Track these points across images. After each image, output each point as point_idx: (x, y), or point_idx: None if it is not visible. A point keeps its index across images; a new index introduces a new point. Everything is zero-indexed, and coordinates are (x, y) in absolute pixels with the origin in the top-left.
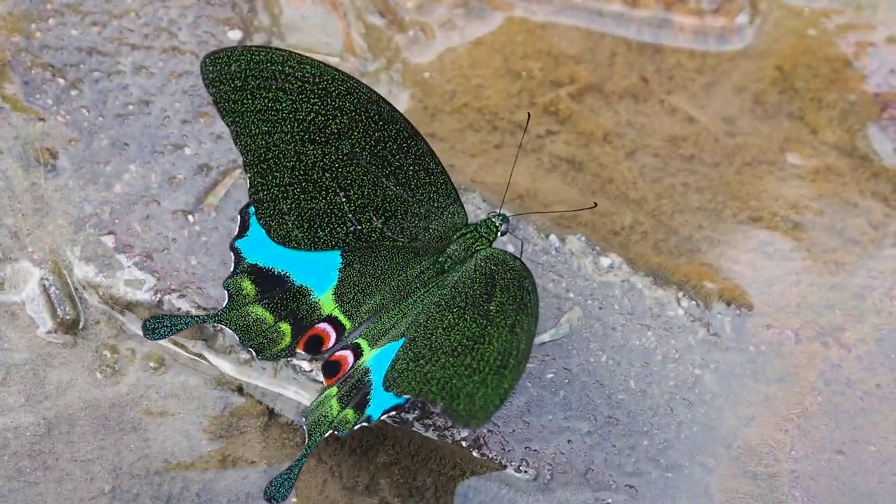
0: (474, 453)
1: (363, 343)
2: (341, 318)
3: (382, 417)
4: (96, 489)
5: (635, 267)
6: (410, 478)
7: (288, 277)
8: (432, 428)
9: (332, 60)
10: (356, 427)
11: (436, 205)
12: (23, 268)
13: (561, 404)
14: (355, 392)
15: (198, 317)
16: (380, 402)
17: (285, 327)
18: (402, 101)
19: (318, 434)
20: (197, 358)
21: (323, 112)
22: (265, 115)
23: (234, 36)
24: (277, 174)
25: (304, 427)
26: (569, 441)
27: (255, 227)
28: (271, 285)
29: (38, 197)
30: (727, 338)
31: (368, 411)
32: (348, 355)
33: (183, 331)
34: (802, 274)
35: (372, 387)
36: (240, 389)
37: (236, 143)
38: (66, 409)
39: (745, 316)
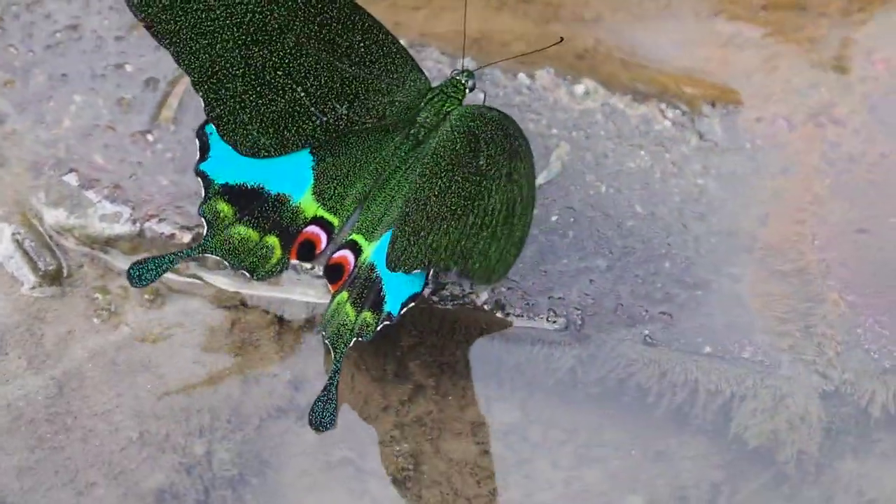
0: (498, 315)
1: (359, 238)
2: (327, 216)
3: (403, 312)
4: (124, 439)
5: (610, 88)
6: (438, 354)
7: (262, 189)
8: (449, 300)
9: None
10: (379, 328)
11: (395, 76)
12: None
13: (573, 245)
14: (367, 292)
15: (180, 252)
16: (396, 296)
17: (272, 240)
18: None
19: (343, 345)
20: (192, 280)
21: (259, 9)
22: (201, 28)
23: None
24: (230, 85)
25: (326, 341)
26: (590, 281)
27: (217, 146)
28: (247, 201)
29: None
30: (721, 139)
31: (387, 308)
32: (347, 254)
33: (168, 269)
34: (779, 59)
35: (383, 282)
36: (243, 303)
37: (179, 64)
38: (71, 364)
39: (732, 113)
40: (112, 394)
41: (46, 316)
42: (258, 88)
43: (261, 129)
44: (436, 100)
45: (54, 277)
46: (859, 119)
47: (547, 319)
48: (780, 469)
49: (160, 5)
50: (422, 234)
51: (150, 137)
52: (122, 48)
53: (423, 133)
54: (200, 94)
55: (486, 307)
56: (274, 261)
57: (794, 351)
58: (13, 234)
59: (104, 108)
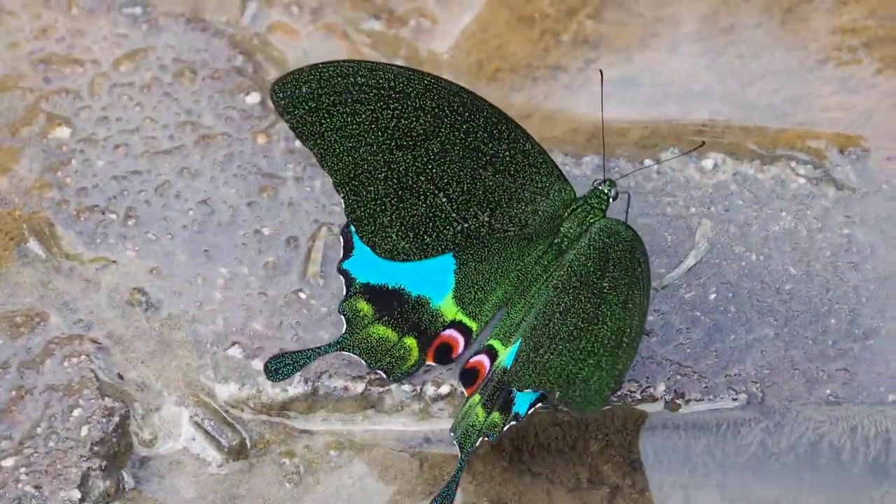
0: (679, 402)
1: (496, 343)
2: (466, 320)
3: (530, 412)
4: None
5: (737, 156)
6: (627, 452)
7: (403, 290)
8: (628, 397)
9: None
10: (506, 428)
11: (540, 185)
12: (168, 414)
13: (737, 320)
14: (497, 394)
15: (320, 347)
16: (524, 397)
17: (410, 342)
18: None
19: (469, 444)
20: (370, 430)
21: (405, 115)
22: (346, 131)
23: (253, 99)
24: (371, 188)
25: (455, 442)
26: (762, 352)
27: (360, 245)
28: (388, 301)
29: (149, 339)
30: (857, 185)
31: (515, 409)
32: (483, 359)
33: (306, 364)
34: (893, 94)
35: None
36: (427, 440)
37: (323, 166)
38: None
39: (862, 158)
40: None
41: (240, 492)
42: (400, 192)
43: (400, 233)
44: (580, 210)
45: (239, 451)
46: None
47: (730, 398)
48: None
49: (306, 108)
50: (540, 351)
51: (302, 296)
52: (255, 213)
53: (566, 243)
54: (341, 195)
55: (665, 397)
56: (411, 362)
57: None
58: (191, 416)
59: (251, 275)
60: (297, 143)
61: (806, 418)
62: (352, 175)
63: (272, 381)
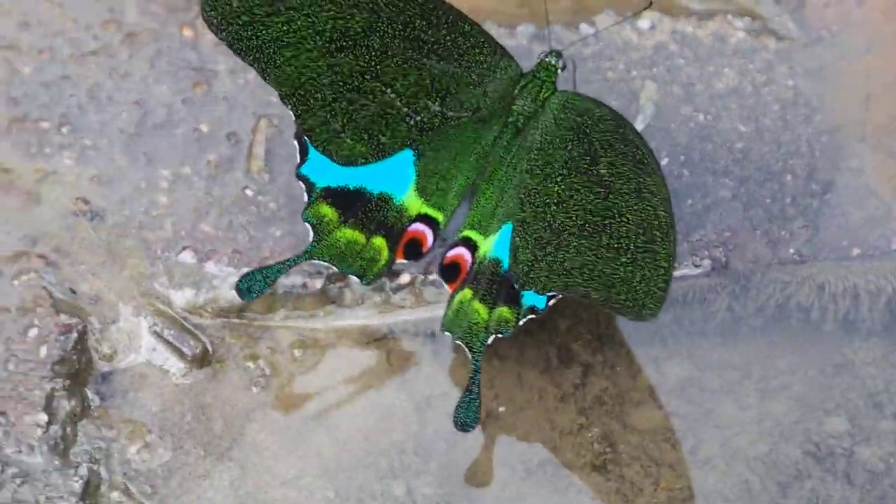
0: None
1: (473, 234)
2: (432, 212)
3: (551, 304)
4: (321, 500)
5: (673, 14)
6: (595, 327)
7: (365, 189)
8: None
9: None
10: (522, 322)
11: (485, 66)
12: (125, 326)
13: (692, 184)
14: (496, 287)
15: (287, 261)
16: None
17: (379, 241)
18: None
19: (479, 343)
20: (333, 325)
21: (340, 15)
22: (284, 40)
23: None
24: (318, 95)
25: (457, 341)
26: (720, 215)
27: None
28: (351, 203)
29: (96, 248)
30: (797, 35)
31: (529, 301)
32: (463, 252)
33: (277, 279)
34: None
35: None
36: (391, 332)
37: (265, 79)
38: (246, 440)
39: (799, 6)
40: (293, 459)
41: (206, 399)
42: (347, 95)
43: (354, 137)
44: (530, 86)
45: (202, 359)
46: None
47: (693, 265)
48: None
49: (241, 22)
50: (547, 248)
51: (248, 193)
52: (191, 110)
53: (521, 121)
54: (290, 107)
55: None
56: (382, 262)
57: None
58: (150, 326)
59: (194, 175)
60: None
61: (772, 279)
62: (297, 85)
63: (245, 300)
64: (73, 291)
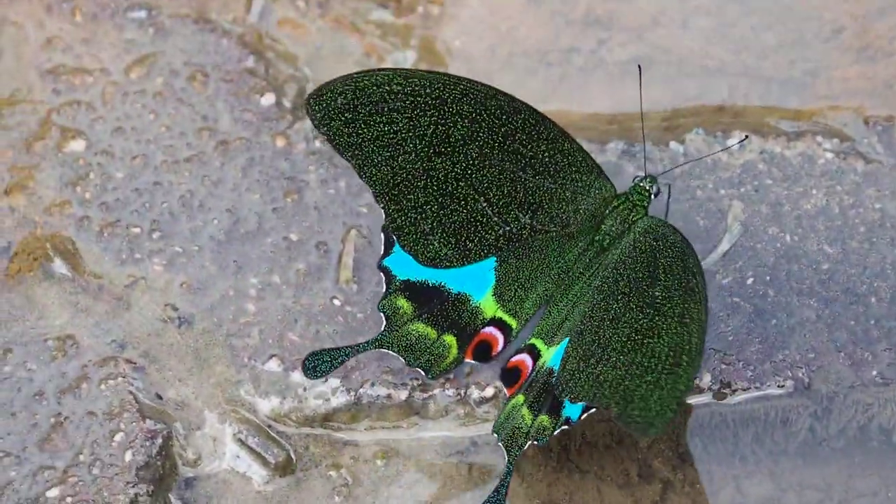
0: (725, 393)
1: (538, 343)
2: (506, 318)
3: (583, 417)
4: None
5: (763, 133)
6: (676, 445)
7: (443, 287)
8: None
9: None
10: (556, 432)
11: (580, 184)
12: (210, 432)
13: (777, 303)
14: (544, 396)
15: (357, 346)
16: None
17: (450, 339)
18: None
19: (517, 448)
20: (416, 437)
21: (442, 121)
22: (384, 140)
23: (268, 100)
24: (411, 196)
25: (500, 444)
26: (805, 336)
27: None
28: (427, 298)
29: (183, 355)
30: (885, 157)
31: (566, 412)
32: (525, 358)
33: (344, 362)
34: None
35: None
36: (474, 444)
37: (361, 176)
38: None
39: (887, 128)
40: None
41: None
42: (440, 199)
43: (442, 240)
44: (621, 207)
45: (285, 467)
46: None
47: (776, 385)
48: None
49: (343, 120)
50: (591, 360)
51: (336, 302)
52: (281, 219)
53: (608, 241)
54: (381, 205)
55: (712, 388)
56: (450, 359)
57: None
58: (234, 433)
59: (283, 284)
60: (318, 144)
61: (854, 401)
62: (391, 185)
63: (310, 378)
64: (160, 397)
